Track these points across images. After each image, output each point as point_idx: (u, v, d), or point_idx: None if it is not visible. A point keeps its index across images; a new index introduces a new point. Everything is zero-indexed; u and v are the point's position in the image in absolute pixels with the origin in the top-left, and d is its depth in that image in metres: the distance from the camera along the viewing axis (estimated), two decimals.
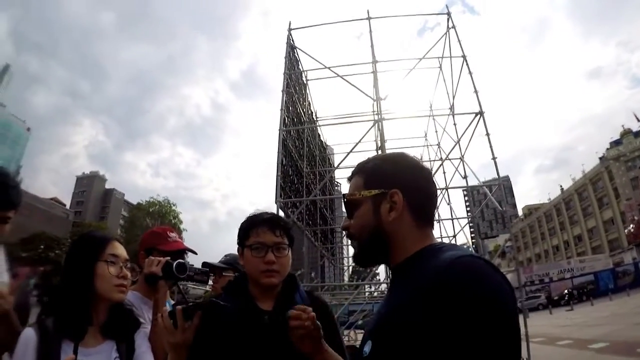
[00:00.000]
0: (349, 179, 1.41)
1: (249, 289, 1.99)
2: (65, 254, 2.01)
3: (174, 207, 63.77)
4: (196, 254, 2.83)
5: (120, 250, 1.97)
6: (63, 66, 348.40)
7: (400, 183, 1.25)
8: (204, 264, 2.43)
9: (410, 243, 1.22)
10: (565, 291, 43.06)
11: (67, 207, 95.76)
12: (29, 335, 1.64)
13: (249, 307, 1.91)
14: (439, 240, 1.27)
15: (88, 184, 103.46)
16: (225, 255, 3.39)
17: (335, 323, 2.15)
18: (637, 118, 68.24)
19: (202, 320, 1.76)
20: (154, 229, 2.86)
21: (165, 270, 2.16)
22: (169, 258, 2.22)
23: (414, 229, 1.24)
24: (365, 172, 1.34)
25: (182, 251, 2.67)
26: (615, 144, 69.53)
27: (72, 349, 1.65)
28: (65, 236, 57.24)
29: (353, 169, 1.42)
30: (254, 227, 1.99)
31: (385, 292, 1.32)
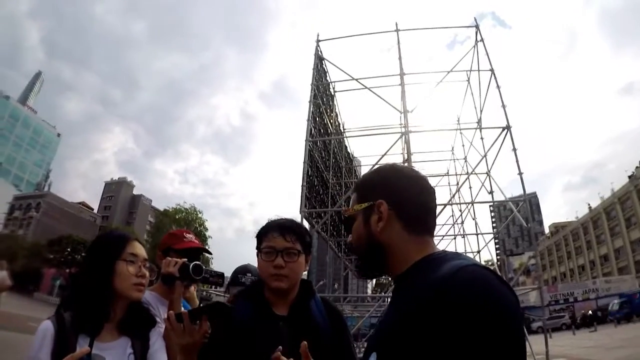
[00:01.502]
0: (347, 199, 1.46)
1: (265, 294, 2.03)
2: (86, 251, 2.06)
3: (200, 215, 63.89)
4: (210, 253, 2.87)
5: (140, 249, 2.00)
6: (95, 74, 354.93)
7: (385, 193, 1.26)
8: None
9: (408, 253, 1.22)
10: (590, 312, 42.22)
11: (95, 211, 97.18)
12: (47, 327, 1.69)
13: (265, 312, 1.95)
14: (442, 249, 1.26)
15: (116, 190, 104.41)
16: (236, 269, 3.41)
17: (348, 331, 2.18)
18: None
19: (215, 323, 1.80)
20: (171, 231, 2.92)
21: (181, 271, 2.19)
22: (185, 260, 2.25)
23: (408, 239, 1.23)
24: (358, 188, 1.38)
25: (197, 250, 2.71)
26: None
27: (87, 343, 1.68)
28: (92, 240, 57.70)
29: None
30: (267, 232, 2.05)
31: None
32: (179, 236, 2.74)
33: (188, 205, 64.13)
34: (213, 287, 2.43)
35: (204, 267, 2.27)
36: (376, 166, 1.45)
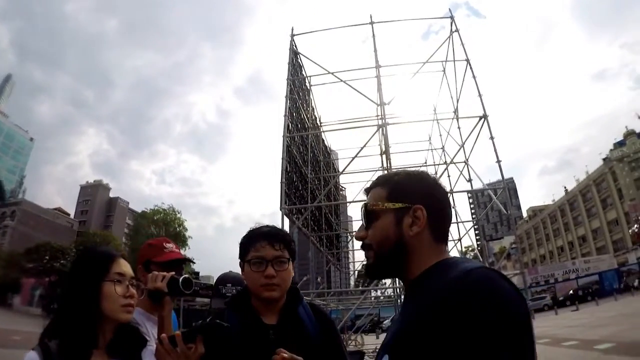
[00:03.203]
0: (368, 190, 1.41)
1: (252, 304, 1.99)
2: (68, 271, 1.91)
3: (178, 215, 63.45)
4: (194, 262, 2.78)
5: (126, 267, 1.88)
6: (67, 75, 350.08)
7: (424, 200, 1.26)
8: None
9: (427, 258, 1.23)
10: (571, 291, 42.98)
11: (72, 216, 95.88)
12: (32, 359, 1.58)
13: (254, 322, 1.91)
14: (453, 255, 1.30)
15: (92, 193, 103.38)
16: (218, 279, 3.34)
17: (338, 335, 2.17)
18: (639, 117, 68.13)
19: (206, 342, 1.73)
20: (150, 241, 2.78)
21: (170, 285, 2.08)
22: (173, 273, 2.15)
23: (432, 245, 1.25)
24: (390, 185, 1.34)
25: (180, 261, 2.62)
26: (619, 145, 69.42)
27: None
28: (70, 246, 57.09)
29: (374, 180, 1.44)
30: (253, 241, 1.99)
31: (400, 305, 1.33)
32: (158, 247, 2.62)
33: (166, 205, 63.72)
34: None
35: (193, 280, 2.17)
36: (407, 169, 1.42)
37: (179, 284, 2.08)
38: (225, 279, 3.06)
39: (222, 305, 2.31)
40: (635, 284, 38.72)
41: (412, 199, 1.27)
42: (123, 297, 1.78)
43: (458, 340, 0.93)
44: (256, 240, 1.98)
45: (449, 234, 1.34)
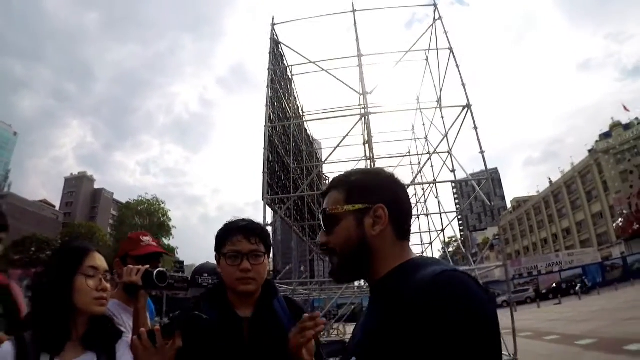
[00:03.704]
0: (324, 193, 1.40)
1: (228, 297, 2.01)
2: (44, 265, 1.96)
3: (162, 205, 63.55)
4: (170, 255, 2.78)
5: (100, 261, 1.90)
6: (48, 69, 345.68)
7: (383, 198, 1.25)
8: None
9: (391, 258, 1.23)
10: (554, 284, 43.41)
11: (57, 208, 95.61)
12: (5, 350, 1.61)
13: (228, 315, 1.93)
14: (419, 253, 1.28)
15: (77, 185, 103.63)
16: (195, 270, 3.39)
17: None
18: (625, 109, 68.76)
19: (185, 334, 1.74)
20: (129, 234, 2.85)
21: (145, 279, 2.11)
22: (148, 266, 2.18)
23: (395, 244, 1.25)
24: (346, 187, 1.33)
25: (156, 254, 2.66)
26: (605, 136, 69.81)
27: None
28: (56, 237, 57.40)
29: (330, 182, 1.42)
30: (229, 235, 2.01)
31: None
32: (135, 241, 2.67)
33: (150, 196, 63.84)
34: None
35: (167, 273, 2.19)
36: (362, 168, 1.46)
37: (153, 278, 2.11)
38: (202, 269, 3.12)
39: (198, 294, 2.42)
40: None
41: (370, 199, 1.26)
42: (95, 290, 1.82)
43: (426, 342, 0.93)
44: (232, 234, 2.01)
45: (410, 230, 1.34)
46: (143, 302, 2.15)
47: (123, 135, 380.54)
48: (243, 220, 2.10)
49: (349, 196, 1.29)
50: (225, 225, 2.09)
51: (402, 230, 1.28)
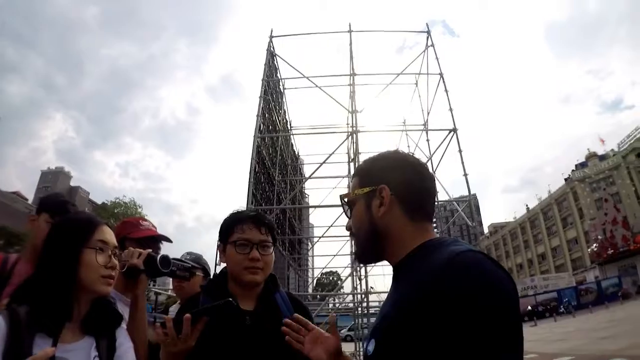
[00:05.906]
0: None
1: (229, 288, 1.95)
2: (46, 237, 1.71)
3: (139, 210, 62.66)
4: (171, 241, 2.68)
5: (110, 236, 1.75)
6: (40, 57, 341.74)
7: (387, 178, 1.26)
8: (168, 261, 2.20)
9: (407, 238, 1.22)
10: (529, 307, 43.70)
11: (30, 202, 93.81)
12: None
13: (230, 307, 1.83)
14: (440, 235, 1.27)
15: (53, 180, 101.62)
16: (188, 254, 3.31)
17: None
18: (602, 141, 69.92)
19: (211, 321, 1.65)
20: (125, 219, 2.69)
21: (147, 263, 1.99)
22: (150, 250, 2.06)
23: (408, 224, 1.23)
24: (360, 172, 1.36)
25: (155, 238, 2.54)
26: (581, 166, 70.71)
27: (46, 344, 1.41)
28: (27, 232, 56.09)
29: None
30: (238, 223, 1.96)
31: (389, 292, 1.30)
32: (134, 224, 2.56)
33: (127, 199, 62.96)
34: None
35: (171, 259, 2.10)
36: (378, 153, 1.41)
37: (157, 262, 2.01)
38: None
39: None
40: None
41: (377, 180, 1.27)
42: (104, 267, 1.66)
43: (443, 328, 0.92)
44: (242, 222, 1.95)
45: (428, 210, 1.28)
46: (142, 288, 2.04)
47: (106, 134, 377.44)
48: (251, 210, 2.06)
49: (361, 181, 1.33)
50: (234, 213, 2.04)
51: (416, 210, 1.25)
